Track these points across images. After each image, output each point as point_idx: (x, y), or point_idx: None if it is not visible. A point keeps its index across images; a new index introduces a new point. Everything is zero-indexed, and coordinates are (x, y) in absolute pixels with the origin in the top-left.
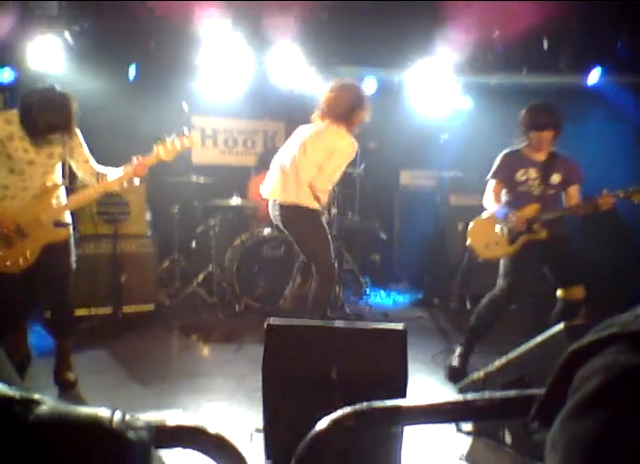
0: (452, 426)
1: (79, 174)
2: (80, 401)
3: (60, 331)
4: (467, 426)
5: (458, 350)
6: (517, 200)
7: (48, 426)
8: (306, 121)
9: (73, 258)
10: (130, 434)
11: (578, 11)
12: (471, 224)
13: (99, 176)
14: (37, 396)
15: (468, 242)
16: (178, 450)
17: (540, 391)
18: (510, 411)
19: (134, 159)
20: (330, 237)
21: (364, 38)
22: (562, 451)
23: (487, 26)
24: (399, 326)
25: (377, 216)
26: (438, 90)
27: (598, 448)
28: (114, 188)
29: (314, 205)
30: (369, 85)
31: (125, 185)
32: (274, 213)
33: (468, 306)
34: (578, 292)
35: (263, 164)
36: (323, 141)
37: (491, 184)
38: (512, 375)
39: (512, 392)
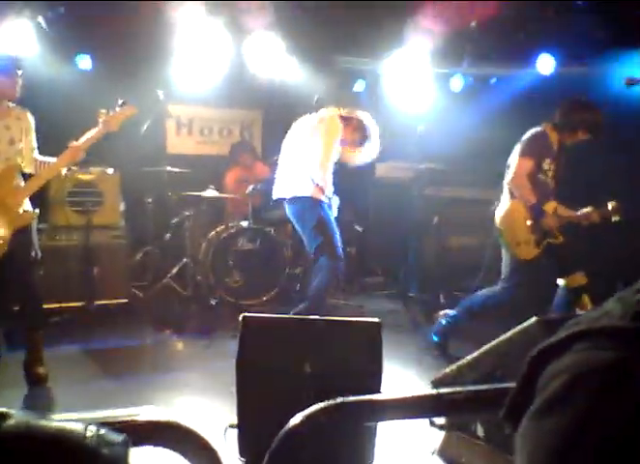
0: (425, 420)
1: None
2: (51, 396)
3: (29, 323)
4: (440, 420)
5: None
6: (539, 189)
7: (13, 441)
8: (285, 110)
9: (37, 247)
10: (105, 450)
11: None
12: (505, 210)
13: (39, 164)
14: (3, 410)
15: (501, 231)
16: (150, 449)
17: (512, 385)
18: (483, 404)
19: (71, 143)
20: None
21: (343, 27)
22: (527, 450)
23: (463, 17)
24: (374, 319)
25: (353, 208)
26: (415, 81)
27: (562, 447)
28: (53, 173)
29: (317, 195)
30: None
31: (64, 171)
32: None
33: (442, 300)
34: (579, 279)
35: (237, 154)
36: (315, 132)
37: (527, 164)
38: (485, 369)
39: (484, 387)
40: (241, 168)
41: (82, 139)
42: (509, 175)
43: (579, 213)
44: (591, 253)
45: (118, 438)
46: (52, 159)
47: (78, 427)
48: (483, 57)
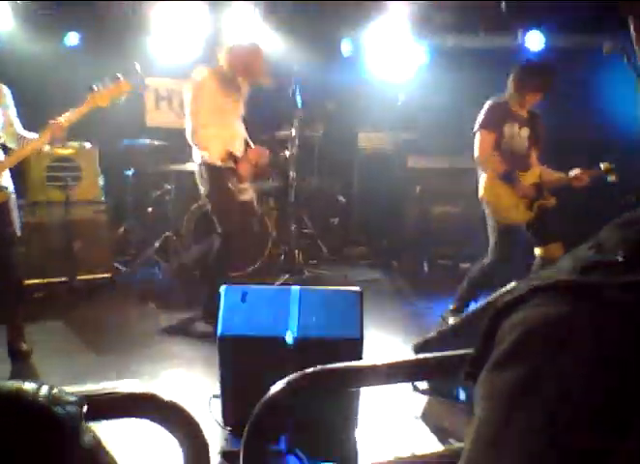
0: (408, 386)
1: (2, 136)
2: (34, 371)
3: (9, 300)
4: (422, 385)
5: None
6: (508, 159)
7: None
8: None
9: (17, 225)
10: (57, 409)
11: None
12: (484, 182)
13: (21, 140)
14: None
15: (487, 202)
16: (131, 421)
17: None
18: (462, 369)
19: (51, 121)
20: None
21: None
22: (483, 402)
23: None
24: (355, 288)
25: (336, 179)
26: (395, 50)
27: (516, 399)
28: (30, 150)
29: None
30: (345, 47)
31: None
32: None
33: (425, 268)
34: (556, 249)
35: None
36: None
37: (484, 136)
38: (467, 334)
39: (464, 351)
40: None
41: (63, 116)
42: (474, 151)
43: (568, 175)
44: (573, 224)
45: (71, 398)
46: (34, 135)
47: (31, 387)
48: (464, 26)
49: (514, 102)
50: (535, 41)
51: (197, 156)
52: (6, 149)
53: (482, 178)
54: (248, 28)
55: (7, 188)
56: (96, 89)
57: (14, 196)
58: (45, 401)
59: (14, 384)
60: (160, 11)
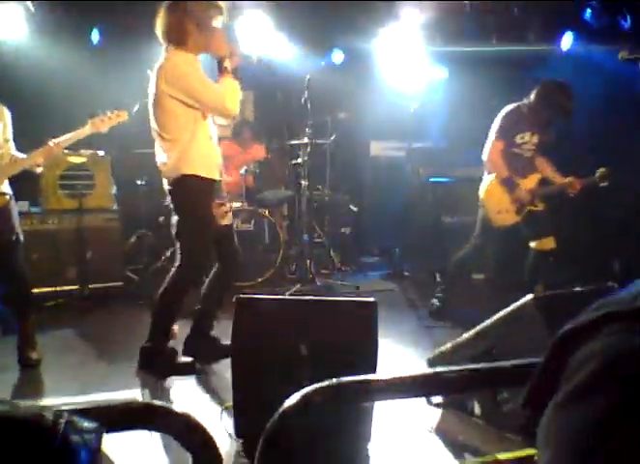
0: (422, 399)
1: None
2: (45, 380)
3: (18, 307)
4: (437, 399)
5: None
6: (513, 163)
7: None
8: (275, 89)
9: (18, 230)
10: (75, 437)
11: None
12: (486, 185)
13: (11, 158)
14: None
15: (483, 203)
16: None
17: (508, 363)
18: (479, 383)
19: (50, 142)
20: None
21: (333, 4)
22: (555, 440)
23: None
24: (370, 299)
25: (348, 187)
26: (408, 59)
27: (594, 438)
28: (19, 168)
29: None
30: (337, 56)
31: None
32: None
33: (437, 279)
34: (549, 243)
35: (241, 129)
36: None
37: (495, 143)
38: (481, 347)
39: (480, 365)
40: (237, 143)
41: (62, 138)
42: (483, 154)
43: (559, 180)
44: (568, 221)
45: (90, 425)
46: (23, 156)
47: (49, 413)
48: (478, 34)
49: (532, 112)
50: (566, 42)
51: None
52: None
53: (485, 179)
54: (262, 36)
55: (6, 194)
56: (97, 116)
57: (13, 202)
58: (63, 429)
59: (34, 409)
60: None
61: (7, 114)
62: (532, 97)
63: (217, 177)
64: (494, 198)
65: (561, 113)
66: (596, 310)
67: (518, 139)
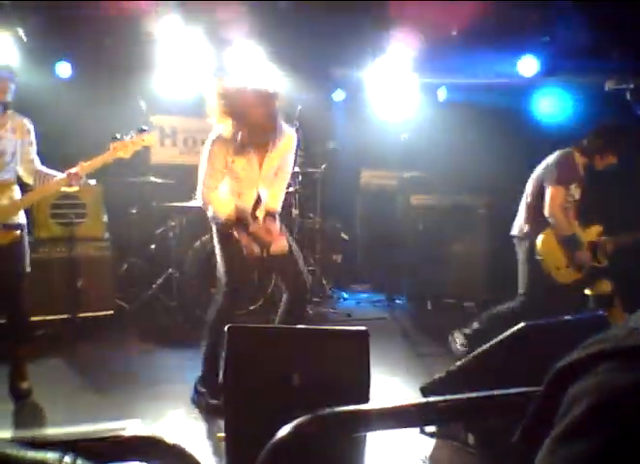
0: (416, 428)
1: (19, 171)
2: (36, 410)
3: (15, 338)
4: (430, 428)
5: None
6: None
7: None
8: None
9: (27, 262)
10: None
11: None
12: (542, 238)
13: (38, 176)
14: None
15: (540, 258)
16: None
17: (503, 392)
18: (474, 413)
19: (79, 165)
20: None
21: (324, 34)
22: None
23: (444, 24)
24: (361, 328)
25: (339, 216)
26: (397, 88)
27: None
28: (49, 192)
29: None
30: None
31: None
32: None
33: (429, 307)
34: (605, 286)
35: None
36: None
37: (557, 192)
38: (476, 374)
39: (475, 394)
40: None
41: (86, 164)
42: (545, 207)
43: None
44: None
45: None
46: (53, 172)
47: (54, 457)
48: (466, 64)
49: (583, 160)
50: (529, 66)
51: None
52: (22, 186)
53: (540, 237)
54: (252, 66)
55: (22, 227)
56: (119, 139)
57: (25, 233)
58: None
59: (38, 454)
60: (163, 47)
61: (31, 128)
62: (589, 142)
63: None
64: (552, 254)
65: (618, 152)
66: (590, 347)
67: (573, 189)
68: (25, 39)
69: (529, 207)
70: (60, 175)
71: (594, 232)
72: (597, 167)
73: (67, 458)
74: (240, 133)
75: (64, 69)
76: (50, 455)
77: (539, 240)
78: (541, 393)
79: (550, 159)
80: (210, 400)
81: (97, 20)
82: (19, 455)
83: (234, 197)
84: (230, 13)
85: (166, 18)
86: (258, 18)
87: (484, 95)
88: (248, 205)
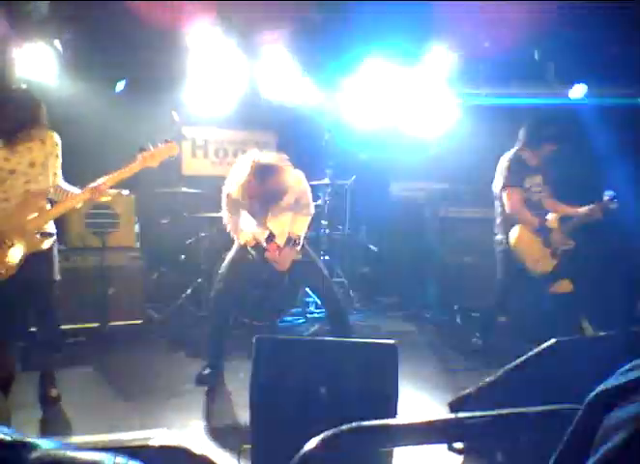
0: (444, 444)
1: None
2: (65, 419)
3: (46, 346)
4: (459, 444)
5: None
6: (530, 210)
7: None
8: (299, 132)
9: (56, 269)
10: None
11: (571, 22)
12: (515, 235)
13: (60, 192)
14: (30, 440)
15: (517, 253)
16: None
17: (535, 409)
18: (504, 429)
19: (92, 185)
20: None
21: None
22: None
23: (477, 38)
24: (390, 341)
25: (368, 228)
26: (429, 101)
27: None
28: (73, 205)
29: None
30: None
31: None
32: None
33: (458, 320)
34: (566, 286)
35: None
36: None
37: (512, 192)
38: (506, 390)
39: (505, 410)
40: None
41: (104, 179)
42: (504, 208)
43: (581, 211)
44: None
45: None
46: (74, 189)
47: (106, 458)
48: (498, 77)
49: (529, 154)
50: (578, 92)
51: None
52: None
53: (513, 233)
54: (284, 77)
55: (52, 235)
56: (146, 150)
57: (56, 242)
58: None
59: (88, 455)
60: (196, 59)
61: (59, 143)
62: (522, 139)
63: None
64: (527, 247)
65: (557, 142)
66: (628, 373)
67: (527, 183)
68: (61, 51)
69: (498, 213)
70: (77, 191)
71: (553, 221)
72: (541, 157)
73: (119, 459)
74: None
75: (99, 82)
76: (103, 456)
77: (514, 236)
78: (578, 418)
79: (501, 164)
80: (202, 371)
81: (131, 34)
82: (67, 456)
83: None
84: (265, 24)
85: (206, 30)
86: (293, 31)
87: (516, 109)
88: None
